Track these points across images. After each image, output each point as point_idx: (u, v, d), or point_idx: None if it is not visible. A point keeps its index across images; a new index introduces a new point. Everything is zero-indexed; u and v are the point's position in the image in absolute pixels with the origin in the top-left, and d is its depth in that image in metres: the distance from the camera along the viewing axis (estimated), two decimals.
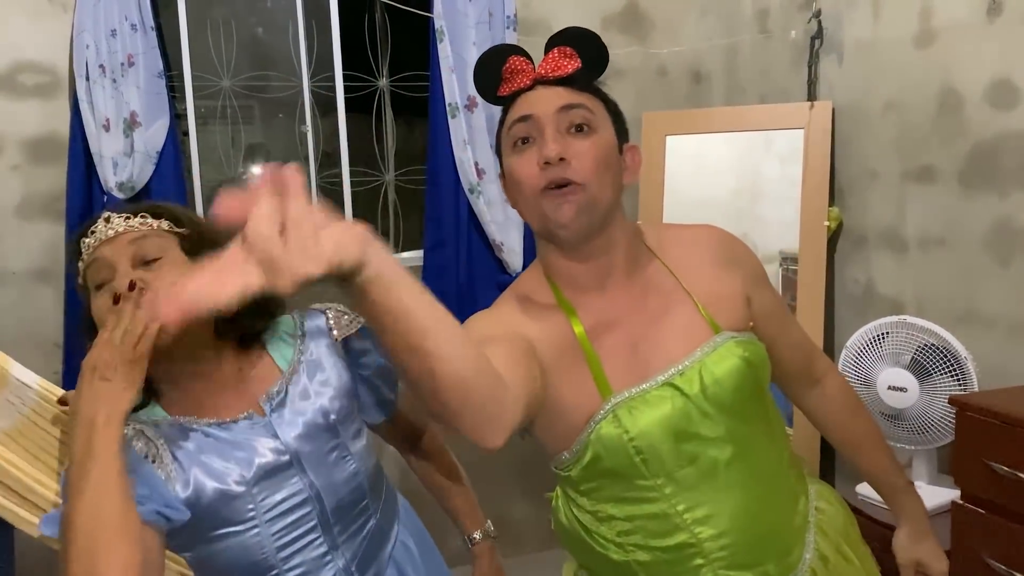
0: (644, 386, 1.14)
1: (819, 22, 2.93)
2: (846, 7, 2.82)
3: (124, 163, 2.72)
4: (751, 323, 1.23)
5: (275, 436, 1.23)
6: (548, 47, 1.20)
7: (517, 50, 1.20)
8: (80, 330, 1.24)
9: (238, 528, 1.20)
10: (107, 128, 2.70)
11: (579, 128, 1.15)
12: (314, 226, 0.66)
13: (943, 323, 2.34)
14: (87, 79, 2.68)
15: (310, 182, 3.26)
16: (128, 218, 1.21)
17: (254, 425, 1.23)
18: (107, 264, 1.17)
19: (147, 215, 1.22)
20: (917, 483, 2.40)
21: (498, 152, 1.23)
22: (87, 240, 1.21)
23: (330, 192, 3.29)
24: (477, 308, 3.35)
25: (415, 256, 3.26)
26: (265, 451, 1.22)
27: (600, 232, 1.16)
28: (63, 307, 2.83)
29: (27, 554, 1.85)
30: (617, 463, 1.14)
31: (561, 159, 1.11)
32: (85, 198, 2.74)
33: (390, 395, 1.43)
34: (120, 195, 2.70)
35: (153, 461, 1.16)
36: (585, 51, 1.19)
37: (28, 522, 1.47)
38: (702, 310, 1.19)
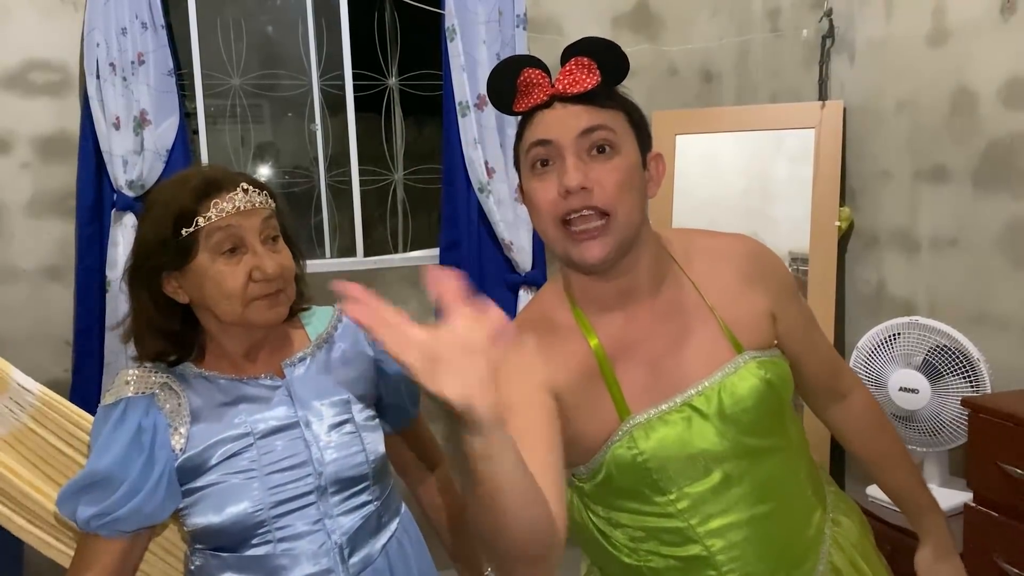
0: (663, 407, 1.13)
1: (830, 21, 2.91)
2: (858, 6, 2.81)
3: (134, 161, 2.72)
4: (775, 341, 1.21)
5: (289, 397, 1.31)
6: (565, 58, 1.12)
7: (532, 61, 1.12)
8: (136, 268, 1.28)
9: (239, 475, 1.26)
10: (117, 126, 2.70)
11: (601, 149, 1.10)
12: (477, 363, 0.76)
13: (955, 324, 2.32)
14: (97, 77, 2.69)
15: (319, 181, 3.26)
16: (259, 193, 1.28)
17: (272, 385, 1.32)
18: (239, 235, 1.25)
19: (268, 194, 1.31)
20: (929, 485, 2.37)
21: (516, 166, 1.19)
22: (222, 205, 1.24)
23: (339, 191, 3.29)
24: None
25: (430, 255, 3.25)
26: (276, 409, 1.30)
27: (626, 253, 1.13)
28: (73, 305, 2.84)
29: (34, 561, 1.85)
30: (630, 481, 1.13)
31: (583, 188, 1.07)
32: (95, 196, 2.76)
33: (410, 407, 1.46)
34: (130, 193, 2.71)
35: (171, 416, 1.26)
36: (604, 63, 1.11)
37: (25, 530, 1.46)
38: (725, 329, 1.16)
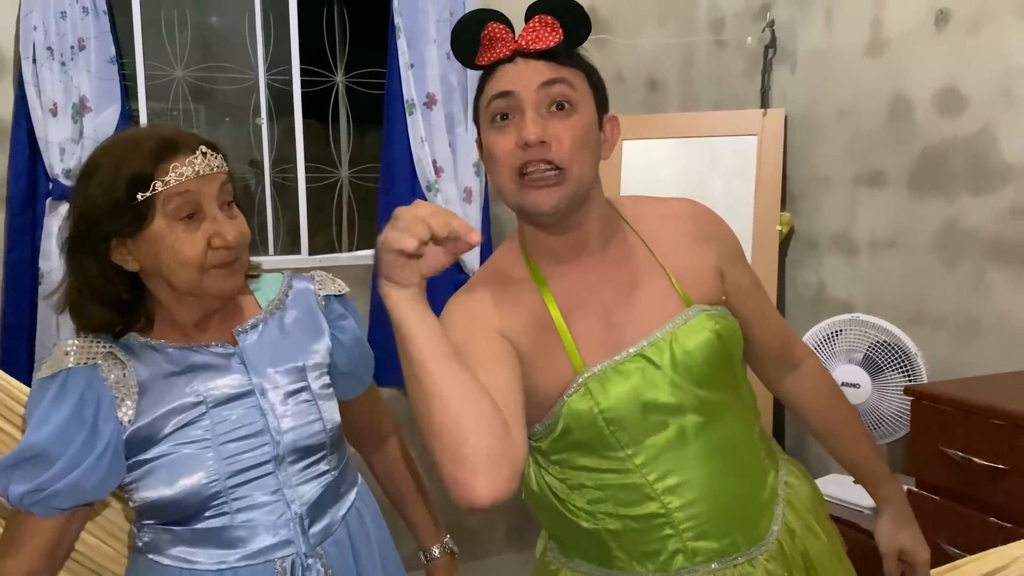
0: (616, 358, 1.14)
1: (773, 31, 3.01)
2: (800, 17, 2.90)
3: (72, 149, 2.63)
4: (723, 297, 1.23)
5: (242, 365, 1.27)
6: (529, 15, 1.15)
7: (496, 15, 1.15)
8: (81, 234, 1.20)
9: (192, 445, 1.21)
10: (54, 112, 2.61)
11: (560, 106, 1.12)
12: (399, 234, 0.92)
13: (893, 322, 2.40)
14: (34, 61, 2.59)
15: (263, 177, 3.20)
16: (216, 157, 1.23)
17: (225, 353, 1.27)
18: (197, 201, 1.19)
19: (223, 157, 1.25)
20: None
21: (475, 120, 1.20)
22: (181, 169, 1.18)
23: (284, 188, 3.24)
24: (434, 309, 3.33)
25: (369, 255, 3.22)
26: (230, 377, 1.25)
27: (577, 209, 1.15)
28: (1, 293, 2.72)
29: None
30: (588, 435, 1.14)
31: (541, 142, 1.09)
32: (28, 184, 2.65)
33: (364, 375, 1.44)
34: (67, 182, 2.61)
35: (116, 386, 1.20)
36: (567, 22, 1.14)
37: None
38: (675, 283, 1.19)
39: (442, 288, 3.06)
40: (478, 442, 0.92)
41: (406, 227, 0.91)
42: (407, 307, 0.95)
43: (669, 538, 1.15)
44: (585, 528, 1.19)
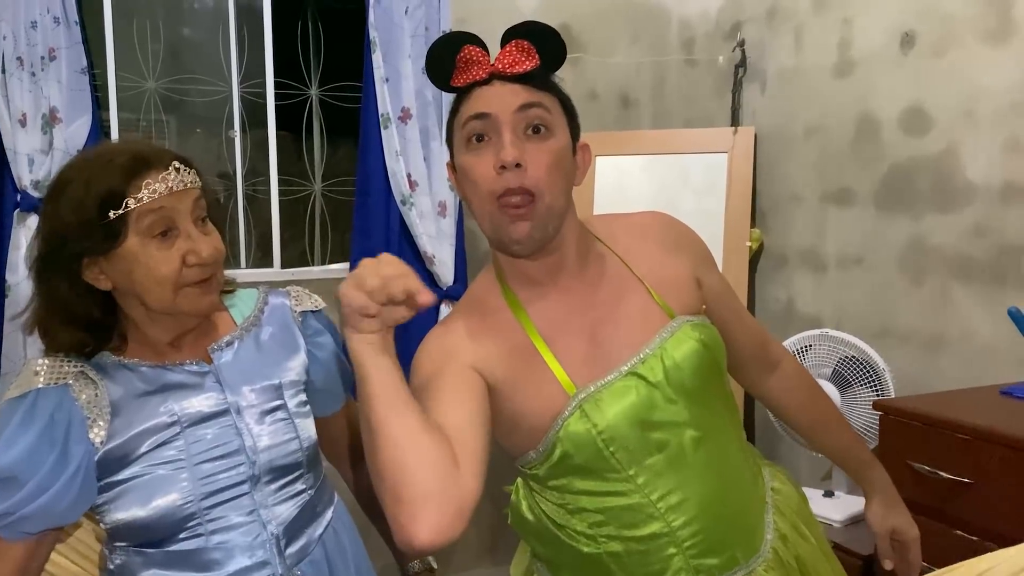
0: (608, 378, 1.14)
1: (743, 51, 3.05)
2: (769, 37, 2.95)
3: (41, 160, 2.59)
4: (703, 306, 1.25)
5: (217, 383, 1.25)
6: (505, 40, 1.15)
7: (472, 38, 1.16)
8: (51, 253, 1.18)
9: (166, 466, 1.19)
10: (23, 123, 2.57)
11: (536, 129, 1.13)
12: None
13: (861, 338, 2.44)
14: (3, 71, 2.56)
15: (236, 189, 3.18)
16: (189, 172, 1.21)
17: (199, 371, 1.25)
18: (171, 217, 1.18)
19: (196, 172, 1.23)
20: (837, 493, 2.48)
21: (448, 142, 1.20)
22: (154, 185, 1.16)
23: (255, 200, 3.22)
24: (408, 324, 3.32)
25: (342, 269, 3.21)
26: (205, 397, 1.23)
27: (552, 236, 1.16)
28: None
29: None
30: (587, 458, 1.13)
31: (517, 165, 1.09)
32: None
33: (342, 391, 1.43)
34: (36, 194, 2.57)
35: (87, 407, 1.18)
36: (543, 47, 1.15)
37: None
38: (655, 296, 1.20)
39: None
40: (419, 483, 0.93)
41: (371, 292, 0.92)
42: (366, 352, 0.95)
43: (672, 557, 1.15)
44: (586, 552, 1.18)
